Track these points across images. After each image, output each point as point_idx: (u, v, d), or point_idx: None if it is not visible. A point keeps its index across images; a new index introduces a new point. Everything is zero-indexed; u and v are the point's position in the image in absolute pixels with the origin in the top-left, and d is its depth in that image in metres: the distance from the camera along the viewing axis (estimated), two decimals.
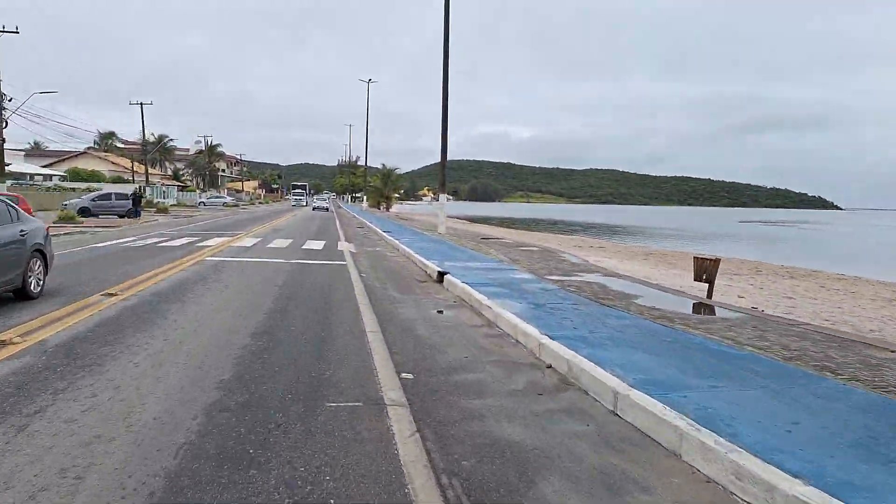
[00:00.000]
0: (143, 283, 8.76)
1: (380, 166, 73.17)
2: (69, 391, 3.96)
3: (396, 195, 74.98)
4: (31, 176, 52.74)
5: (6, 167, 45.80)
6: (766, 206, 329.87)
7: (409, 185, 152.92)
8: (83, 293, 7.71)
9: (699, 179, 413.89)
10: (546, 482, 2.95)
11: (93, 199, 31.16)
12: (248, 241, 17.03)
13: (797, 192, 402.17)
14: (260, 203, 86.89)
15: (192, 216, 36.88)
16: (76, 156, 65.89)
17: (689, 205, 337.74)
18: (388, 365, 4.94)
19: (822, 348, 5.43)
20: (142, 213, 30.91)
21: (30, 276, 7.23)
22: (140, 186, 48.17)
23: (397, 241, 17.25)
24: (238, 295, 8.03)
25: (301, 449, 3.18)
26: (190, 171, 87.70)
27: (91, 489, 2.66)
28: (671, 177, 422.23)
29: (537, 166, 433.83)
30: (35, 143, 76.73)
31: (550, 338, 5.42)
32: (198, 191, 77.36)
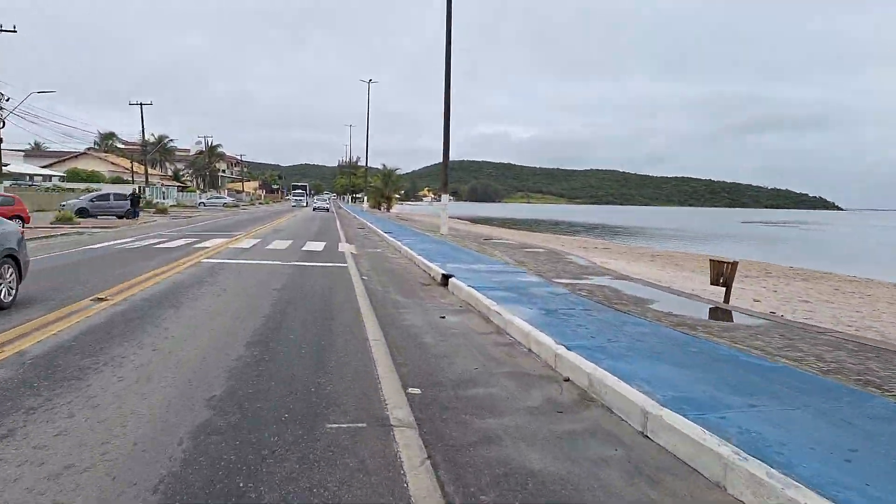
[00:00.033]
0: (136, 286, 8.39)
1: (380, 167, 72.80)
2: (44, 410, 3.59)
3: (397, 196, 74.56)
4: (31, 176, 52.43)
5: (4, 167, 45.59)
6: (766, 207, 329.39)
7: (409, 186, 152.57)
8: (71, 298, 7.35)
9: (700, 180, 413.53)
10: None
11: (91, 200, 30.78)
12: (246, 243, 16.67)
13: (798, 192, 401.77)
14: (260, 204, 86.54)
15: (191, 217, 36.54)
16: (76, 156, 65.60)
17: (690, 205, 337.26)
18: (394, 377, 4.57)
19: (860, 360, 5.05)
20: (140, 213, 30.55)
21: (0, 284, 6.65)
22: (139, 187, 47.84)
23: (399, 243, 16.88)
24: (234, 299, 7.67)
25: (298, 481, 2.81)
26: (190, 171, 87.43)
27: None
28: (672, 177, 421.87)
29: (538, 167, 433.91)
30: (35, 144, 76.51)
31: (567, 348, 5.05)
32: (198, 191, 77.07)
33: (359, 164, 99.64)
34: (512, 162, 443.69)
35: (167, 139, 77.38)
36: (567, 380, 4.69)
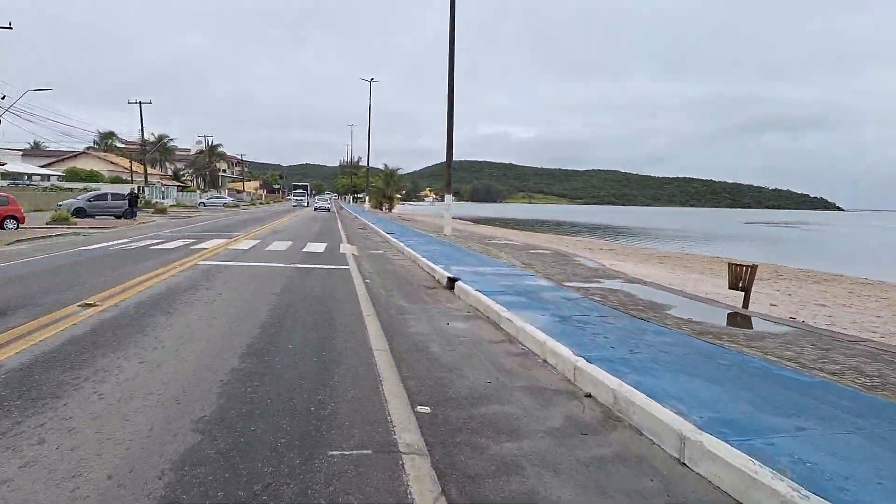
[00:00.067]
0: (128, 290, 8.03)
1: (381, 167, 72.42)
2: (12, 436, 3.22)
3: (398, 196, 74.19)
4: (30, 176, 52.10)
5: (1, 167, 45.25)
6: (767, 207, 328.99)
7: (411, 186, 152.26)
8: (59, 303, 6.98)
9: (700, 180, 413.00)
10: None
11: (88, 200, 30.42)
12: (246, 244, 16.30)
13: (798, 192, 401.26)
14: (261, 203, 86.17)
15: (190, 217, 36.19)
16: (75, 156, 65.26)
17: (691, 206, 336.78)
18: (401, 393, 4.20)
19: None
20: (137, 213, 30.19)
21: None
22: (138, 186, 47.49)
23: (402, 244, 16.51)
24: (230, 305, 7.30)
25: None
26: (190, 171, 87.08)
27: None
28: (672, 177, 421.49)
29: (539, 167, 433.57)
30: (35, 144, 76.22)
31: (587, 360, 4.67)
32: (198, 191, 76.72)
33: (360, 163, 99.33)
34: (513, 162, 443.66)
35: (167, 138, 77.05)
36: (588, 395, 4.32)
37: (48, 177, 54.02)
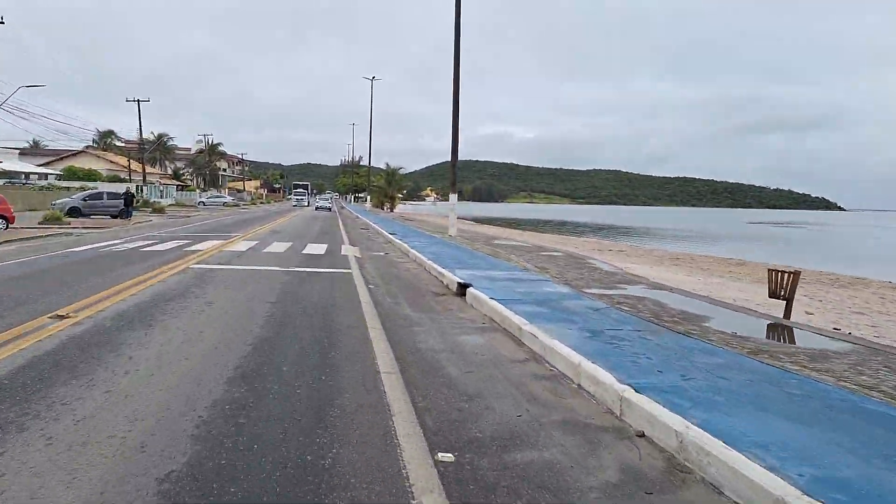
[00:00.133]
0: (109, 299, 7.30)
1: (382, 166, 71.64)
2: None
3: (400, 195, 73.40)
4: (27, 175, 51.38)
5: None
6: (769, 207, 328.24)
7: (412, 186, 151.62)
8: (28, 314, 6.26)
9: (702, 180, 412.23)
10: None
11: (83, 199, 29.68)
12: (243, 245, 15.57)
13: (800, 192, 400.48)
14: (261, 203, 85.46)
15: (189, 216, 35.48)
16: (74, 154, 64.56)
17: (693, 205, 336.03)
18: (416, 433, 3.47)
19: None
20: (133, 213, 29.47)
21: None
22: (137, 186, 46.80)
23: (406, 245, 15.79)
24: (221, 316, 6.56)
25: None
26: (190, 170, 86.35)
27: None
28: (674, 177, 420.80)
29: (541, 167, 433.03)
30: (34, 143, 75.56)
31: (634, 389, 3.94)
32: (198, 190, 76.00)
33: (361, 163, 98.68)
34: (515, 162, 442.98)
35: (166, 137, 76.36)
36: (642, 435, 3.59)
37: (45, 175, 53.31)
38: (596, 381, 4.30)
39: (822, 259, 27.39)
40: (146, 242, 15.73)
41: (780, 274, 7.84)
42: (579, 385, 4.53)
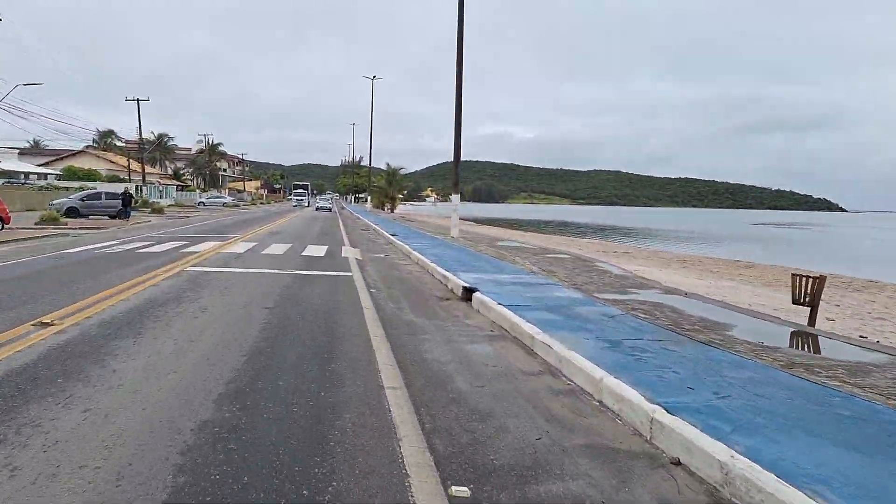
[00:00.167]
0: (98, 304, 6.94)
1: (383, 166, 71.28)
2: None
3: (400, 196, 73.01)
4: (26, 175, 51.06)
5: None
6: (769, 208, 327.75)
7: (413, 186, 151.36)
8: (11, 321, 5.91)
9: (703, 181, 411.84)
10: None
11: (81, 199, 29.34)
12: (241, 247, 15.21)
13: (801, 193, 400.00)
14: (261, 203, 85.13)
15: (187, 217, 35.15)
16: (74, 154, 64.25)
17: (693, 206, 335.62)
18: (426, 463, 3.11)
19: None
20: (132, 213, 29.12)
21: None
22: (136, 186, 46.48)
23: (408, 247, 15.43)
24: (214, 324, 6.20)
25: None
26: (191, 170, 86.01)
27: None
28: (675, 178, 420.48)
29: (541, 167, 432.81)
30: (35, 142, 75.23)
31: (666, 408, 3.58)
32: (198, 190, 75.67)
33: (361, 163, 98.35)
34: (515, 162, 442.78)
35: (166, 137, 76.04)
36: (678, 463, 3.23)
37: (45, 175, 52.98)
38: (620, 398, 3.94)
39: (829, 261, 27.00)
40: (142, 244, 15.38)
41: (803, 279, 7.47)
42: (601, 402, 4.17)
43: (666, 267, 16.53)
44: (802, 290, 7.42)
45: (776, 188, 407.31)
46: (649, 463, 3.25)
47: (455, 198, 21.34)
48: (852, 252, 38.42)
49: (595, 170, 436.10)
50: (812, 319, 7.34)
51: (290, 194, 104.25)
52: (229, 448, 3.14)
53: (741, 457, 2.91)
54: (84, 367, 4.47)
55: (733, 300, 9.84)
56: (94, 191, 32.73)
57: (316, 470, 2.94)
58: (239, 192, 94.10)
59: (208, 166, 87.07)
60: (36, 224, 22.66)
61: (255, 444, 3.22)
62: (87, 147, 69.14)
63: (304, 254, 13.99)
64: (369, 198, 71.19)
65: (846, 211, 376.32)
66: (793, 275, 7.75)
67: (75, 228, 21.73)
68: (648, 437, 3.54)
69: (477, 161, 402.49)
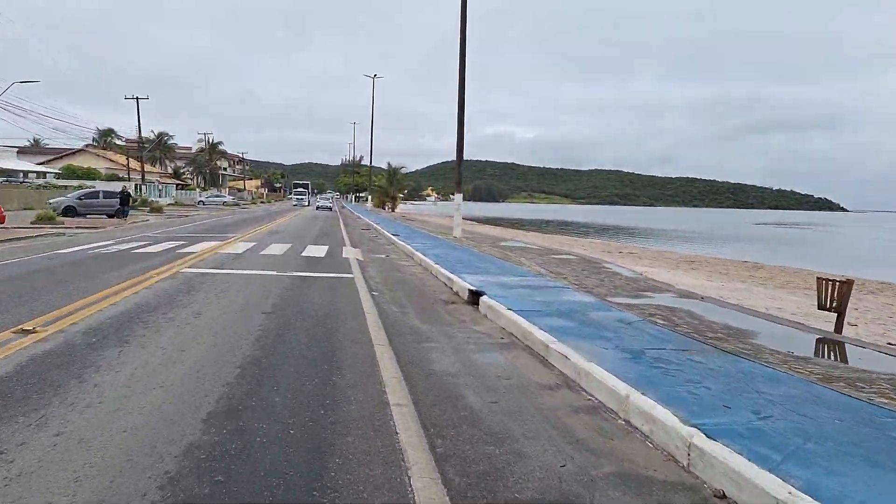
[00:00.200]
0: (86, 309, 6.58)
1: (383, 166, 70.89)
2: None
3: (401, 195, 72.62)
4: (25, 173, 50.73)
5: None
6: (771, 208, 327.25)
7: (413, 185, 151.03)
8: None
9: (704, 181, 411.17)
10: None
11: (79, 198, 28.98)
12: (239, 247, 14.84)
13: (802, 193, 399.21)
14: (262, 203, 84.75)
15: (187, 216, 34.79)
16: (74, 153, 63.90)
17: (694, 206, 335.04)
18: (440, 499, 2.75)
19: None
20: (130, 212, 28.76)
21: None
22: (135, 185, 46.13)
23: (410, 247, 15.07)
24: (208, 331, 5.84)
25: None
26: (191, 169, 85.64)
27: None
28: (676, 178, 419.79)
29: (541, 167, 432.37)
30: (35, 141, 74.88)
31: (704, 432, 3.21)
32: (198, 189, 75.30)
33: (362, 162, 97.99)
34: (516, 162, 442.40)
35: (166, 136, 75.67)
36: (722, 496, 2.86)
37: (44, 174, 52.64)
38: (651, 418, 3.57)
39: (837, 262, 26.61)
40: (139, 244, 15.02)
41: (829, 283, 7.11)
42: (627, 421, 3.80)
43: (674, 268, 16.16)
44: (828, 295, 7.06)
45: (777, 188, 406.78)
46: (690, 497, 2.88)
47: (458, 197, 20.96)
48: (858, 253, 38.04)
49: (595, 169, 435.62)
50: (839, 326, 6.97)
51: (290, 193, 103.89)
52: (216, 480, 2.78)
53: (801, 493, 2.55)
54: (63, 382, 4.10)
55: (749, 304, 9.48)
56: (91, 189, 32.37)
57: None
58: (239, 191, 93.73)
59: (208, 165, 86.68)
60: (32, 223, 22.30)
61: (245, 474, 2.85)
62: (87, 146, 68.78)
63: (304, 254, 13.63)
64: (370, 197, 70.81)
65: (847, 211, 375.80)
66: (818, 278, 7.38)
67: (72, 228, 21.38)
68: (686, 465, 3.17)
69: (477, 160, 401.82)
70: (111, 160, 63.30)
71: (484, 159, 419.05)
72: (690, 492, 2.93)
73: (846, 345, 6.05)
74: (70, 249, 13.37)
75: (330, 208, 52.99)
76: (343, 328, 6.21)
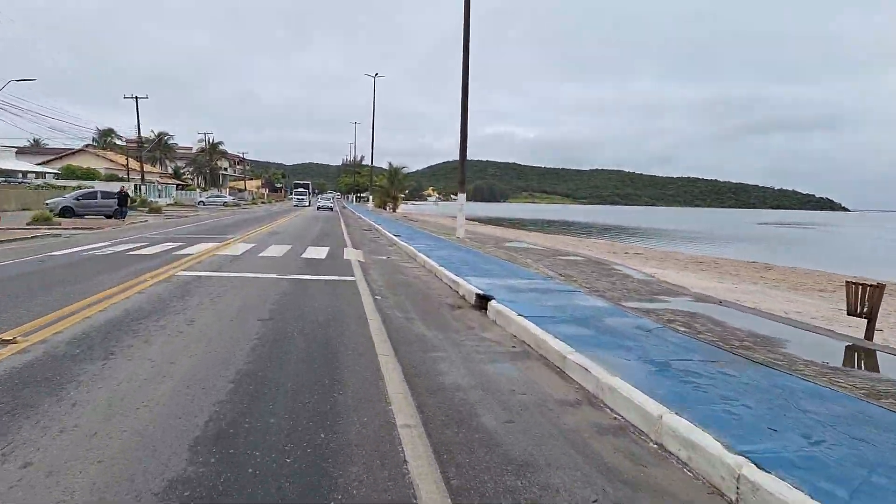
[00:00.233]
0: (72, 316, 6.22)
1: (384, 166, 70.54)
2: None
3: (402, 195, 72.24)
4: (24, 174, 50.42)
5: None
6: (772, 208, 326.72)
7: (414, 185, 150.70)
8: None
9: (705, 180, 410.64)
10: None
11: (76, 198, 28.62)
12: (238, 248, 14.48)
13: (804, 193, 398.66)
14: (262, 203, 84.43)
15: (186, 216, 34.45)
16: (73, 153, 63.59)
17: (696, 206, 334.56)
18: None
19: None
20: (128, 213, 28.41)
21: None
22: (134, 185, 45.81)
23: (413, 248, 14.70)
24: (201, 340, 5.47)
25: None
26: (191, 169, 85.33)
27: None
28: (677, 177, 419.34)
29: (542, 166, 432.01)
30: (35, 141, 74.58)
31: (755, 462, 2.84)
32: (198, 190, 74.99)
33: (363, 162, 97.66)
34: (517, 162, 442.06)
35: (166, 136, 75.37)
36: None
37: (43, 174, 52.32)
38: (689, 443, 3.20)
39: (845, 262, 26.22)
40: (135, 245, 14.66)
41: (859, 287, 6.74)
42: (660, 445, 3.44)
43: (683, 269, 15.79)
44: (858, 300, 6.69)
45: (779, 187, 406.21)
46: None
47: (461, 196, 20.60)
48: (863, 252, 37.62)
49: (596, 169, 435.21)
50: (869, 332, 6.61)
51: (291, 194, 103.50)
52: None
53: None
54: (38, 401, 3.74)
55: (766, 307, 9.10)
56: (90, 190, 32.02)
57: None
58: (240, 191, 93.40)
59: (209, 165, 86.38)
60: (28, 224, 21.95)
61: None
62: (87, 146, 68.48)
63: (304, 256, 13.26)
64: (371, 197, 70.46)
65: (849, 210, 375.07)
66: (847, 282, 7.01)
67: (68, 228, 21.02)
68: (734, 500, 2.80)
69: (479, 160, 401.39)
70: (111, 160, 62.97)
71: (485, 159, 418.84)
72: None
73: (879, 353, 5.68)
74: (64, 251, 13.01)
75: (331, 208, 52.69)
76: (345, 336, 5.84)
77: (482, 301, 7.64)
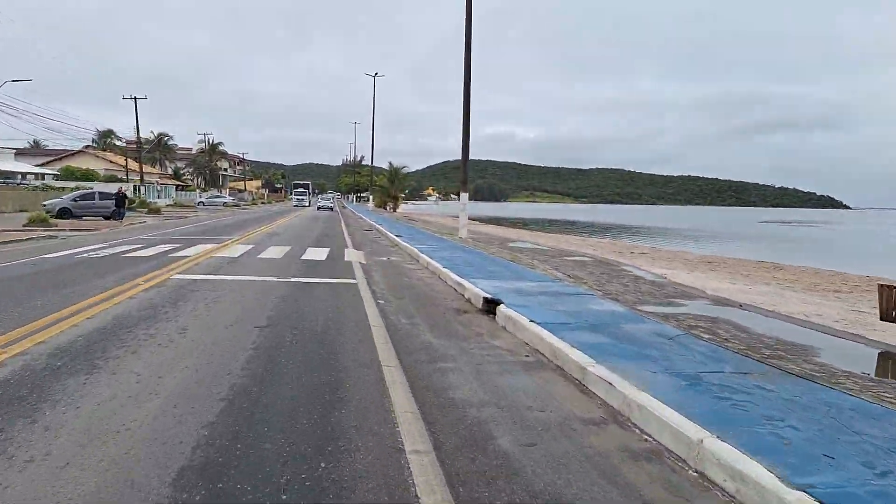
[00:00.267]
0: (59, 324, 5.86)
1: (384, 166, 70.21)
2: None
3: (402, 195, 71.86)
4: (23, 175, 50.10)
5: None
6: (773, 206, 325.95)
7: (414, 185, 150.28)
8: None
9: (706, 179, 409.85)
10: None
11: (74, 199, 28.29)
12: (236, 250, 14.13)
13: (805, 191, 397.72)
14: (262, 203, 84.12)
15: (185, 217, 34.12)
16: (73, 154, 63.26)
17: (697, 204, 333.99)
18: None
19: None
20: (126, 214, 28.07)
21: None
22: (133, 185, 45.49)
23: (415, 249, 14.34)
24: (193, 351, 5.11)
25: None
26: (191, 170, 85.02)
27: None
28: (678, 176, 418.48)
29: (543, 166, 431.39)
30: (35, 143, 74.22)
31: (819, 501, 2.48)
32: (198, 190, 74.68)
33: (363, 162, 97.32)
34: (517, 161, 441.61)
35: (166, 137, 75.06)
36: None
37: (42, 175, 51.98)
38: (737, 474, 2.83)
39: (855, 260, 25.83)
40: (131, 247, 14.30)
41: (893, 290, 6.37)
42: (701, 473, 3.07)
43: (693, 269, 15.41)
44: (893, 303, 6.33)
45: (780, 186, 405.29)
46: None
47: (464, 196, 20.24)
48: (869, 249, 37.21)
49: (597, 168, 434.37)
50: None
51: (291, 194, 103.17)
52: None
53: None
54: (8, 424, 3.38)
55: (786, 311, 8.73)
56: (87, 191, 31.68)
57: None
58: (240, 191, 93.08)
59: (209, 166, 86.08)
60: (24, 226, 21.62)
61: None
62: (87, 147, 68.13)
63: (304, 257, 12.91)
64: (371, 197, 70.10)
65: (850, 208, 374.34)
66: (879, 286, 6.66)
67: (64, 230, 20.68)
68: None
69: (479, 160, 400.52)
70: (111, 161, 62.64)
71: (486, 159, 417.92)
72: None
73: None
74: (58, 254, 12.66)
75: (331, 208, 52.39)
76: (347, 345, 5.49)
77: (490, 305, 7.28)
